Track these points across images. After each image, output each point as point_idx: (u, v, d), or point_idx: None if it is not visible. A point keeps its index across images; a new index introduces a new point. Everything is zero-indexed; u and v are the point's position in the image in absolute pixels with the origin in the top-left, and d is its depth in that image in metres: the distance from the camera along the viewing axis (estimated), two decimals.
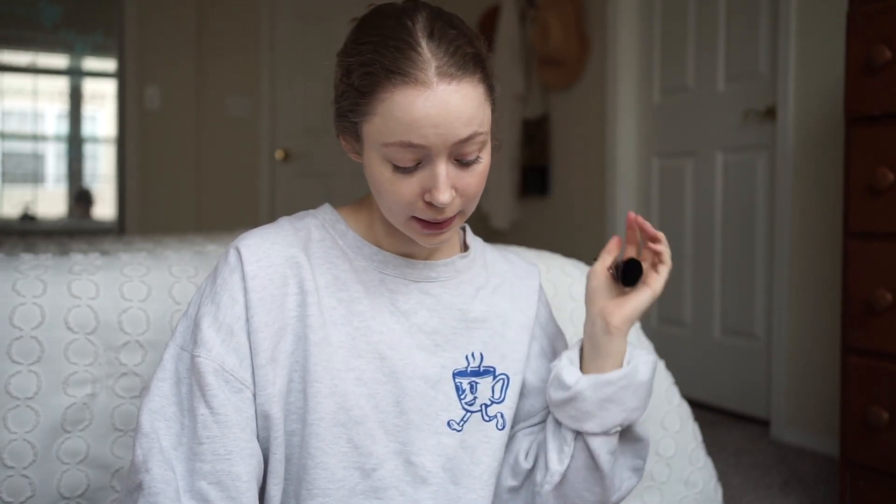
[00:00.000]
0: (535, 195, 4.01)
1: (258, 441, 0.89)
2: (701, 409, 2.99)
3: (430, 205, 0.86)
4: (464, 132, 0.83)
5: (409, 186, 0.86)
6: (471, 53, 0.85)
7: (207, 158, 4.45)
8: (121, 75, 4.32)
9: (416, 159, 0.84)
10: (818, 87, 2.57)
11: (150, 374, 1.16)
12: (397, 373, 0.93)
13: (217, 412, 0.85)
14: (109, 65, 4.60)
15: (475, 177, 0.88)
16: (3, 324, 1.10)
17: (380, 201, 0.90)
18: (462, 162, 0.86)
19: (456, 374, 0.97)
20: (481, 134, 0.86)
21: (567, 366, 0.97)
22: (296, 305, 0.91)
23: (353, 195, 4.55)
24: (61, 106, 4.89)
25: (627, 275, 0.97)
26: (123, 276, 1.19)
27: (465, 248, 1.05)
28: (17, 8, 4.51)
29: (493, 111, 0.89)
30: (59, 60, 4.93)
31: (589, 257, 1.24)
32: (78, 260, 1.21)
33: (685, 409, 1.45)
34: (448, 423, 0.95)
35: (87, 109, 4.91)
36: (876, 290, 1.76)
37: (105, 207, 4.77)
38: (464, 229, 1.07)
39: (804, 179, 2.62)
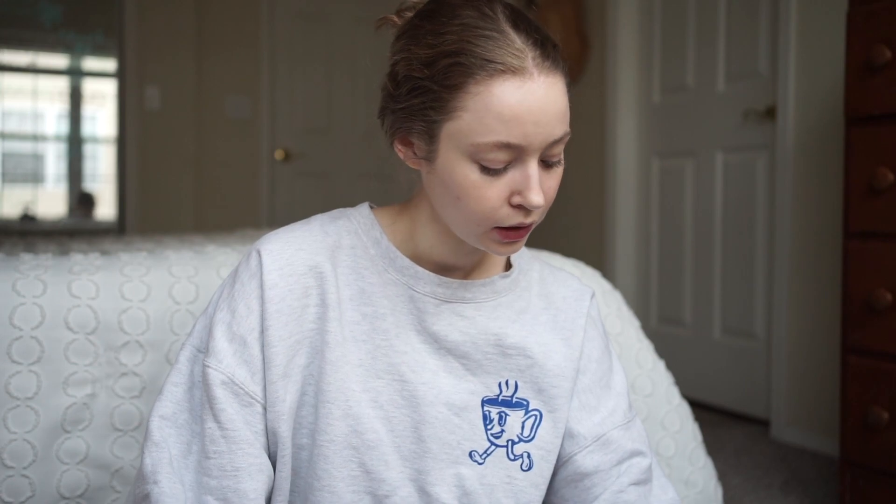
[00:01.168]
0: None
1: (268, 456, 0.86)
2: (701, 409, 2.99)
3: (517, 209, 0.80)
4: (559, 131, 0.79)
5: (496, 190, 0.79)
6: (557, 45, 0.81)
7: (207, 158, 4.45)
8: (121, 75, 4.32)
9: (507, 160, 0.78)
10: (818, 87, 2.57)
11: (150, 374, 1.16)
12: (418, 398, 0.86)
13: (225, 427, 0.82)
14: (109, 65, 4.60)
15: (556, 180, 0.83)
16: (3, 324, 1.10)
17: (455, 210, 0.81)
18: (547, 163, 0.81)
19: (485, 402, 0.89)
20: (569, 133, 0.82)
21: None
22: (315, 318, 0.86)
23: (353, 195, 4.55)
24: (61, 106, 4.89)
25: None
26: (123, 276, 1.19)
27: (509, 265, 0.96)
28: (17, 8, 4.51)
29: None
30: (59, 60, 4.93)
31: (589, 257, 1.20)
32: (78, 260, 1.21)
33: (685, 409, 1.45)
34: (470, 454, 0.88)
35: (87, 109, 4.91)
36: (876, 290, 1.76)
37: (105, 207, 4.78)
38: None
39: (804, 179, 2.62)
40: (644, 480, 0.95)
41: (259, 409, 0.84)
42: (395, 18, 0.87)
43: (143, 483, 0.83)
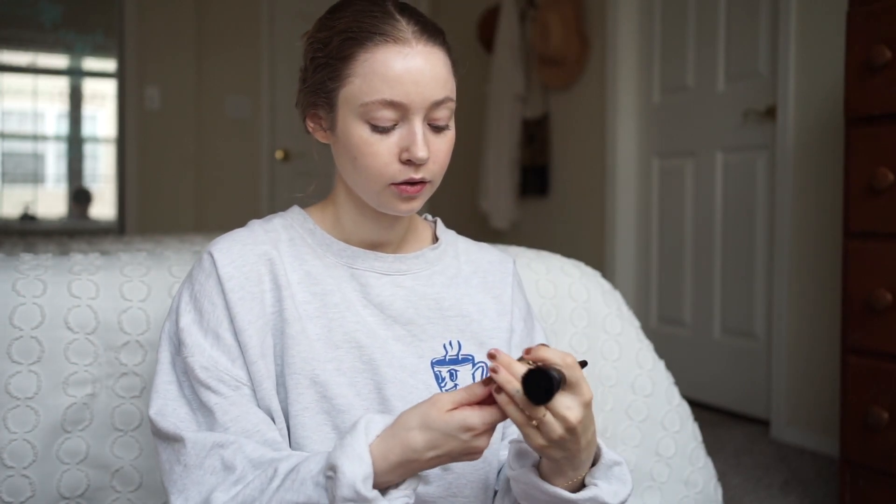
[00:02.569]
0: (535, 195, 4.01)
1: None
2: (701, 409, 2.99)
3: (406, 164, 0.89)
4: (439, 94, 0.89)
5: (386, 146, 0.89)
6: (440, 30, 0.92)
7: (207, 158, 4.45)
8: (121, 75, 4.32)
9: (394, 119, 0.88)
10: (818, 87, 2.57)
11: (151, 374, 1.16)
12: (376, 360, 0.93)
13: (228, 396, 0.87)
14: (109, 65, 4.60)
15: (445, 143, 0.92)
16: (3, 324, 1.10)
17: (354, 171, 0.92)
18: (434, 127, 0.90)
19: (434, 363, 0.96)
20: (452, 101, 0.91)
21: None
22: (273, 301, 0.92)
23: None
24: (61, 106, 4.89)
25: (535, 389, 0.75)
26: (123, 276, 1.19)
27: (436, 240, 1.05)
28: (17, 8, 4.51)
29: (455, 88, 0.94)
30: (59, 60, 4.93)
31: (589, 257, 1.21)
32: (78, 260, 1.21)
33: (685, 409, 1.45)
34: None
35: (87, 109, 4.91)
36: (876, 290, 1.76)
37: (105, 207, 4.78)
38: (434, 222, 1.08)
39: (804, 179, 2.62)
40: None
41: (247, 391, 0.89)
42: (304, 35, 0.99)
43: (169, 473, 0.86)
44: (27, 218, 4.74)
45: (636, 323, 1.48)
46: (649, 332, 3.30)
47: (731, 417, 2.96)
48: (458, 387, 0.97)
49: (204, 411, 0.88)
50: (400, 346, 0.95)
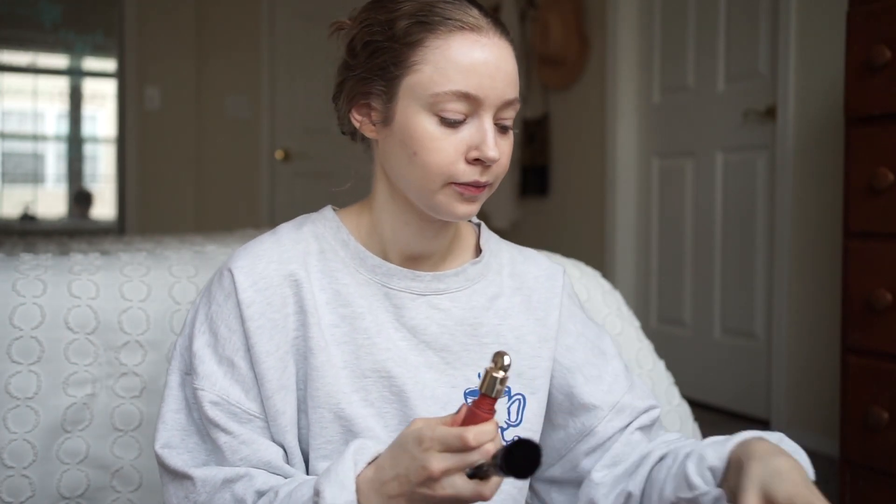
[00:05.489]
0: (535, 195, 4.01)
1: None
2: (701, 409, 2.99)
3: (474, 164, 0.82)
4: (511, 93, 0.83)
5: (453, 142, 0.81)
6: (507, 28, 0.86)
7: (207, 158, 4.45)
8: (121, 75, 4.32)
9: (464, 113, 0.81)
10: (818, 87, 2.57)
11: (150, 374, 1.16)
12: (407, 391, 0.87)
13: (238, 434, 0.82)
14: (109, 65, 4.60)
15: (509, 146, 0.86)
16: (3, 324, 1.10)
17: (411, 168, 0.83)
18: (501, 127, 0.84)
19: (468, 394, 0.89)
20: (519, 103, 0.85)
21: (697, 469, 0.82)
22: (297, 326, 0.86)
23: (353, 195, 4.54)
24: (61, 106, 4.89)
25: (516, 462, 0.65)
26: (123, 276, 1.19)
27: (479, 251, 0.96)
28: (17, 8, 4.51)
29: None
30: (59, 60, 4.93)
31: (589, 257, 1.16)
32: (78, 260, 1.21)
33: (685, 409, 1.45)
34: None
35: (87, 109, 4.91)
36: (876, 290, 1.76)
37: (105, 207, 4.78)
38: (478, 226, 1.00)
39: (804, 179, 2.62)
40: (649, 425, 0.96)
41: (260, 423, 0.84)
42: (348, 21, 0.90)
43: None
44: (27, 218, 4.74)
45: (636, 323, 1.48)
46: (649, 332, 3.30)
47: (731, 417, 2.96)
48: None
49: (213, 445, 0.83)
50: (432, 374, 0.88)
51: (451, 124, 0.81)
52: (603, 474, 0.92)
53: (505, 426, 0.91)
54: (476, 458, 0.68)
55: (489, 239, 0.98)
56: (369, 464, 0.75)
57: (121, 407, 1.15)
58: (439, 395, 0.88)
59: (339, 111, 0.90)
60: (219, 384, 0.83)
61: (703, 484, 0.81)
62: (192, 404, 0.85)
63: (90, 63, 4.92)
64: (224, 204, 4.47)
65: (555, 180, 3.93)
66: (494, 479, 0.69)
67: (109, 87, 4.65)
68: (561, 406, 0.96)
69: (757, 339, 2.90)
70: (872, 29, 1.78)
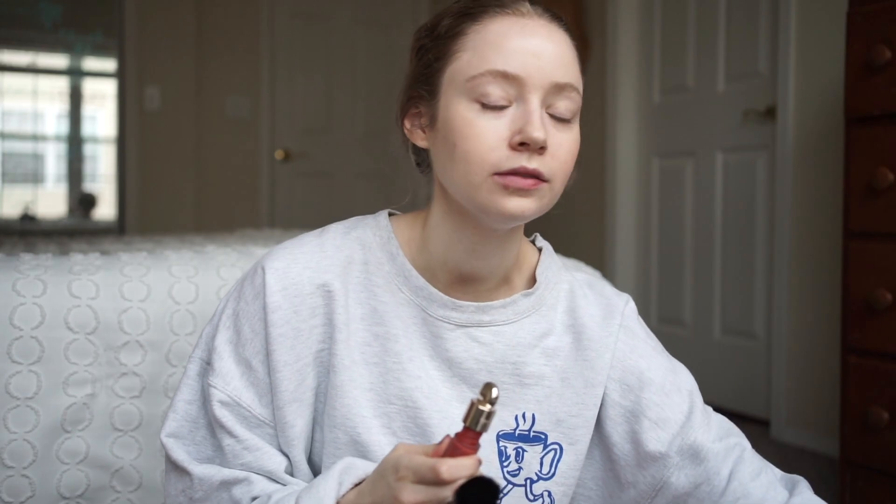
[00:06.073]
0: None
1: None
2: None
3: (519, 149, 0.73)
4: (562, 75, 0.75)
5: (494, 127, 0.74)
6: (561, 16, 0.80)
7: (207, 158, 4.45)
8: (121, 75, 4.32)
9: (507, 97, 0.74)
10: (818, 87, 2.57)
11: (150, 374, 1.16)
12: (432, 426, 0.81)
13: (243, 439, 0.80)
14: (109, 65, 4.60)
15: (569, 140, 0.77)
16: (3, 324, 1.10)
17: (453, 164, 0.76)
18: (555, 117, 0.76)
19: (501, 437, 0.83)
20: (578, 93, 0.77)
21: None
22: (323, 338, 0.82)
23: (353, 195, 4.55)
24: (61, 106, 4.89)
25: (469, 499, 0.62)
26: (123, 276, 1.19)
27: (534, 280, 0.87)
28: (17, 8, 4.51)
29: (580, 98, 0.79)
30: (59, 60, 4.93)
31: (589, 257, 1.12)
32: (78, 260, 1.21)
33: None
34: None
35: (87, 109, 4.91)
36: (876, 290, 1.76)
37: (105, 207, 4.78)
38: (540, 251, 0.90)
39: (804, 179, 2.62)
40: (758, 471, 0.85)
41: (269, 430, 0.81)
42: None
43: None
44: (27, 218, 4.73)
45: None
46: None
47: (730, 417, 2.95)
48: (521, 471, 0.83)
49: (220, 443, 0.81)
50: (464, 409, 0.79)
51: (492, 108, 0.74)
52: None
53: (535, 478, 0.84)
54: (448, 494, 0.62)
55: (549, 267, 0.89)
56: (356, 485, 0.72)
57: (121, 407, 1.15)
58: None
59: (399, 129, 0.85)
60: (232, 384, 0.80)
61: None
62: (206, 398, 0.83)
63: (90, 63, 4.92)
64: (224, 204, 4.47)
65: None
66: None
67: (109, 87, 4.64)
68: (628, 459, 0.85)
69: (757, 339, 2.90)
70: (872, 29, 1.78)
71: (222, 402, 0.80)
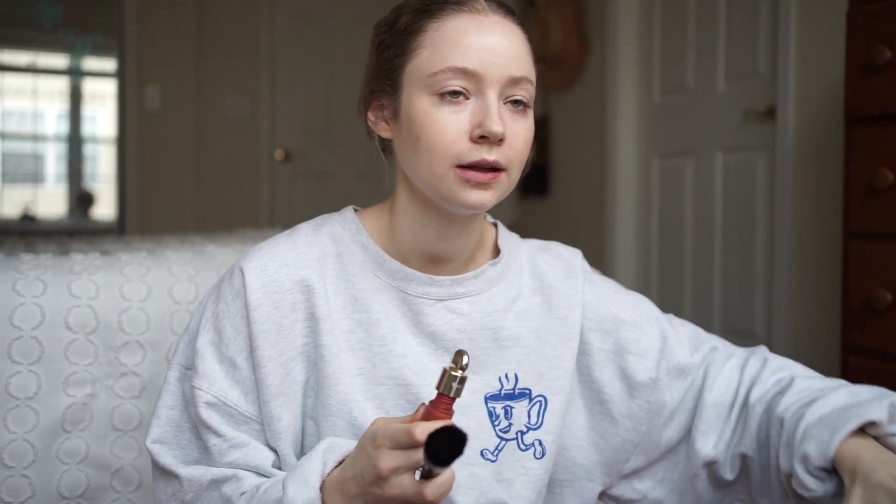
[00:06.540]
0: (535, 195, 4.01)
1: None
2: None
3: (479, 142, 0.79)
4: (516, 70, 0.80)
5: (455, 121, 0.78)
6: (514, 12, 0.85)
7: (207, 158, 4.45)
8: (121, 75, 4.32)
9: (466, 92, 0.79)
10: (818, 87, 2.57)
11: (150, 374, 1.16)
12: (423, 399, 0.84)
13: (229, 437, 0.82)
14: (109, 65, 4.60)
15: (524, 128, 0.82)
16: (3, 324, 1.10)
17: (416, 155, 0.81)
18: (514, 103, 0.81)
19: (488, 399, 0.88)
20: (532, 85, 0.82)
21: (805, 469, 0.80)
22: (306, 333, 0.84)
23: (353, 195, 4.55)
24: (61, 106, 4.89)
25: (438, 450, 0.62)
26: (123, 276, 1.19)
27: (497, 252, 0.94)
28: (17, 8, 4.51)
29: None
30: (59, 60, 4.93)
31: (589, 257, 1.14)
32: (78, 260, 1.21)
33: None
34: (482, 453, 0.87)
35: (87, 109, 4.91)
36: (876, 290, 1.76)
37: (105, 207, 4.78)
38: (495, 226, 0.97)
39: (804, 179, 2.62)
40: (724, 361, 0.96)
41: (256, 426, 0.84)
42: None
43: None
44: (27, 218, 4.74)
45: None
46: None
47: None
48: (512, 426, 0.89)
49: (206, 444, 0.83)
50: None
51: (453, 103, 0.79)
52: (706, 443, 0.91)
53: (525, 430, 0.90)
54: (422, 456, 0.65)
55: (508, 238, 0.96)
56: (340, 463, 0.74)
57: (120, 407, 1.15)
58: (459, 401, 0.86)
59: (361, 115, 0.90)
60: (217, 384, 0.82)
61: (819, 486, 0.79)
62: (190, 400, 0.84)
63: (90, 63, 4.92)
64: (224, 204, 4.47)
65: (555, 180, 3.93)
66: (437, 480, 0.67)
67: (109, 87, 4.64)
68: (622, 395, 0.93)
69: (757, 338, 2.90)
70: (872, 29, 1.78)
71: (208, 403, 0.82)
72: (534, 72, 0.83)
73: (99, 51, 4.72)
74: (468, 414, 0.87)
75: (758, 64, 2.89)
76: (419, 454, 0.65)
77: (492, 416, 0.88)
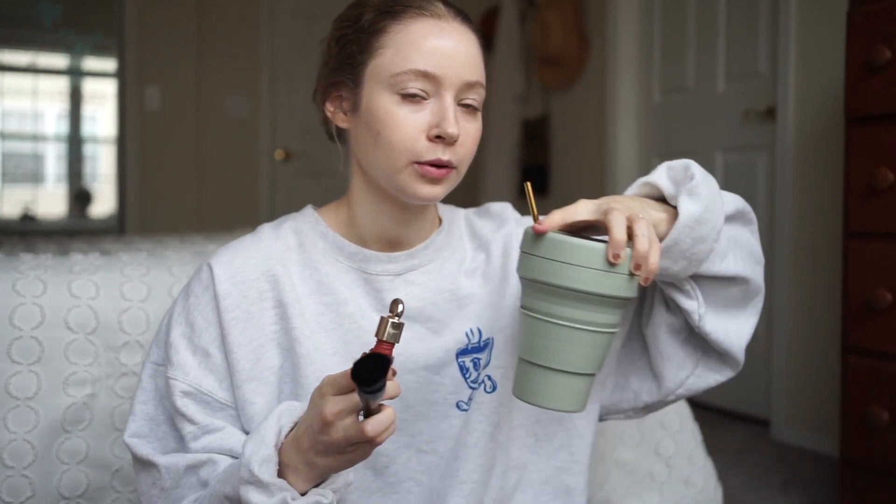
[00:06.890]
0: (535, 195, 4.01)
1: None
2: (701, 410, 2.99)
3: (435, 141, 0.85)
4: (472, 75, 0.86)
5: (414, 120, 0.84)
6: (470, 19, 0.90)
7: (207, 158, 4.45)
8: (121, 75, 4.32)
9: (425, 92, 0.85)
10: (818, 87, 2.57)
11: None
12: (397, 369, 0.87)
13: (204, 424, 0.85)
14: (109, 65, 4.60)
15: (474, 129, 0.89)
16: (3, 324, 1.10)
17: (376, 148, 0.86)
18: (465, 106, 0.87)
19: (459, 354, 0.94)
20: (483, 88, 0.89)
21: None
22: (276, 320, 0.89)
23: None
24: (61, 106, 4.89)
25: (362, 375, 0.65)
26: (123, 276, 1.19)
27: (440, 222, 1.01)
28: (17, 8, 4.51)
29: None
30: (59, 60, 4.93)
31: None
32: (78, 260, 1.21)
33: (685, 409, 1.45)
34: (458, 405, 0.93)
35: (87, 109, 4.91)
36: (876, 290, 1.76)
37: (105, 207, 4.78)
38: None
39: (804, 179, 2.62)
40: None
41: (231, 411, 0.87)
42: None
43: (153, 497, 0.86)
44: (27, 218, 4.74)
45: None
46: None
47: (731, 417, 2.96)
48: (480, 375, 0.94)
49: (181, 433, 0.86)
50: (423, 345, 0.92)
51: (413, 102, 0.84)
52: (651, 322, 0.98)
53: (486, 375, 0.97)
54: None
55: (445, 209, 1.03)
56: (296, 424, 0.78)
57: (121, 407, 1.15)
58: (433, 362, 0.92)
59: (319, 109, 0.95)
60: (192, 374, 0.86)
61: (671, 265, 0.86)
62: (164, 394, 0.88)
63: (90, 63, 4.92)
64: (224, 204, 4.47)
65: (555, 180, 3.93)
66: (377, 417, 0.70)
67: (109, 87, 4.64)
68: None
69: (757, 339, 2.90)
70: (872, 29, 1.78)
71: (184, 392, 0.86)
72: (484, 76, 0.90)
73: (99, 51, 4.72)
74: (443, 373, 0.92)
75: (758, 64, 2.89)
76: (357, 395, 0.69)
77: (462, 369, 0.94)
